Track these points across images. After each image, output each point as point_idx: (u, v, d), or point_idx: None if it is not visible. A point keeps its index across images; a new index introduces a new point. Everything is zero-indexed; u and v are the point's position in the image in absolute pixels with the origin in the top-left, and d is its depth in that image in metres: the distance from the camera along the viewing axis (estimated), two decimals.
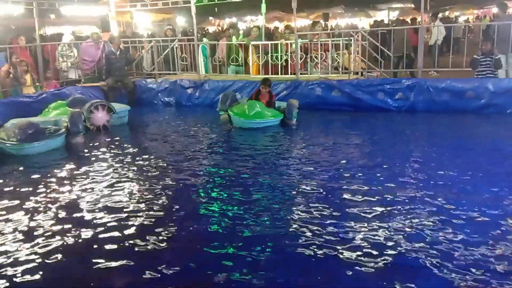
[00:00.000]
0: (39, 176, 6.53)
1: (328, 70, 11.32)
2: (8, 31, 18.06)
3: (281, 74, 11.49)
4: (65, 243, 4.43)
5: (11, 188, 6.10)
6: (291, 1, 10.79)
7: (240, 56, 12.27)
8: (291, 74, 11.42)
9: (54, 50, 12.45)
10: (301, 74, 11.25)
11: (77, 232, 4.66)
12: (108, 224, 4.80)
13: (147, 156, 7.36)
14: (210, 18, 31.78)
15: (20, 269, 3.98)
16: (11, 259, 4.15)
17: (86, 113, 9.04)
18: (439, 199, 5.10)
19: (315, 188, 5.64)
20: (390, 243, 4.15)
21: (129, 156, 7.44)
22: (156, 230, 4.61)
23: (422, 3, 9.98)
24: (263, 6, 12.36)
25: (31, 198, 5.67)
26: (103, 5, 13.56)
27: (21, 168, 6.97)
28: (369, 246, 4.12)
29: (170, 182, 6.08)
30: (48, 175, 6.56)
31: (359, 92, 10.37)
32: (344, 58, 11.09)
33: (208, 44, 12.95)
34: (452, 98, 9.75)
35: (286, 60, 11.53)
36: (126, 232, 4.60)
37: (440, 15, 18.81)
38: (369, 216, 4.74)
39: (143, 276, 3.80)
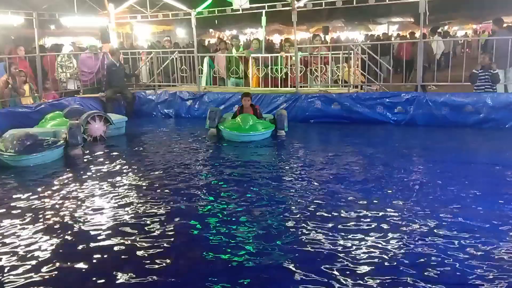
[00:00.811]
0: (34, 187, 6.49)
1: (327, 83, 11.34)
2: (8, 41, 18.08)
3: (281, 87, 11.50)
4: (56, 257, 4.38)
5: (5, 199, 6.07)
6: (291, 14, 10.82)
7: (240, 69, 12.28)
8: (291, 87, 11.42)
9: (53, 60, 12.46)
10: (301, 87, 11.25)
11: (70, 245, 4.63)
12: (102, 239, 4.76)
13: (143, 169, 7.34)
14: (210, 30, 31.86)
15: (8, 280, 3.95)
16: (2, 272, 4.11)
17: (83, 124, 9.02)
18: (437, 214, 5.08)
19: (314, 203, 5.61)
20: (386, 259, 4.11)
21: (126, 169, 7.40)
22: (151, 246, 4.55)
23: (421, 17, 10.01)
24: (263, 19, 12.39)
25: (24, 210, 5.63)
26: (103, 17, 13.58)
27: (17, 179, 6.95)
28: (365, 261, 4.08)
29: (166, 196, 6.01)
30: (43, 187, 6.53)
31: (359, 105, 10.38)
32: (344, 71, 11.10)
33: (208, 56, 12.93)
34: (451, 112, 9.78)
35: (286, 73, 11.53)
36: (119, 248, 4.56)
37: (439, 29, 18.90)
38: (365, 230, 4.71)
39: None
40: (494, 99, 9.50)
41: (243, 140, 8.95)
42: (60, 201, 5.89)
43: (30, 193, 6.22)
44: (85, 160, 8.04)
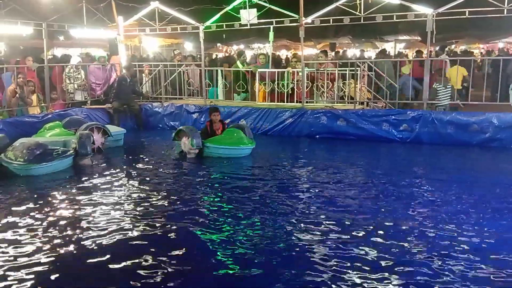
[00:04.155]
0: (41, 197, 6.53)
1: (334, 99, 11.36)
2: (17, 51, 18.23)
3: (287, 102, 11.52)
4: (60, 266, 4.40)
5: (13, 206, 6.10)
6: (299, 30, 10.88)
7: (249, 83, 12.36)
8: (297, 102, 11.44)
9: (61, 71, 12.54)
10: (307, 102, 11.28)
11: (74, 254, 4.66)
12: (104, 249, 4.78)
13: (148, 179, 7.39)
14: (218, 44, 32.01)
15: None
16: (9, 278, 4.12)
17: None
18: (439, 232, 5.07)
19: (315, 219, 5.60)
20: (388, 276, 4.09)
21: (135, 180, 7.45)
22: (152, 258, 4.56)
23: (428, 36, 10.03)
24: (271, 34, 12.46)
25: (30, 218, 5.66)
26: (112, 29, 13.69)
27: (25, 188, 6.98)
28: (366, 279, 4.07)
29: (165, 210, 6.02)
30: (50, 196, 6.57)
31: (364, 122, 10.38)
32: (350, 87, 11.11)
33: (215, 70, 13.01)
34: (457, 131, 9.75)
35: (293, 88, 11.56)
36: (122, 261, 4.56)
37: (447, 48, 18.93)
38: (368, 247, 4.70)
39: None
40: (500, 119, 9.47)
41: (240, 155, 8.90)
42: (65, 212, 5.92)
43: (37, 203, 6.25)
44: (92, 170, 8.05)
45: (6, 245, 4.86)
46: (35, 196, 6.57)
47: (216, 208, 6.03)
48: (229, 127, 9.27)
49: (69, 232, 5.21)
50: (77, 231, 5.25)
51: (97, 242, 4.92)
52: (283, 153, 9.32)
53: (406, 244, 4.76)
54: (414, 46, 27.92)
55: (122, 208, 6.04)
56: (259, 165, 8.44)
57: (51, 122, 9.77)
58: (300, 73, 11.23)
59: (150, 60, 16.43)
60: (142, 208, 6.03)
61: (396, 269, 4.22)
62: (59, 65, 12.60)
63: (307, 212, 5.81)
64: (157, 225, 5.42)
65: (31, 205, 6.17)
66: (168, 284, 4.04)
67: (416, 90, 11.71)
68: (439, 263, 4.32)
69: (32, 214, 5.82)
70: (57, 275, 4.22)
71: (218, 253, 4.65)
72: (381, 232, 5.09)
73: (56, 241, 4.97)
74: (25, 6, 12.25)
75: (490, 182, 7.13)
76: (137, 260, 4.46)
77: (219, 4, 12.62)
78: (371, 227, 5.22)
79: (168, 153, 9.31)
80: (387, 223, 5.35)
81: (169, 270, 4.28)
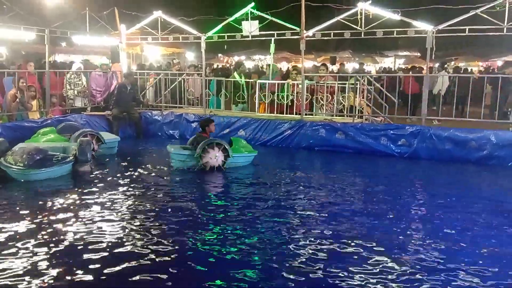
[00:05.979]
0: (39, 201, 6.53)
1: (333, 112, 11.41)
2: (18, 56, 18.30)
3: (286, 113, 11.57)
4: (56, 272, 4.39)
5: (10, 211, 6.11)
6: (300, 42, 10.95)
7: (246, 94, 12.45)
8: (296, 114, 11.48)
9: (62, 77, 12.58)
10: (306, 114, 11.32)
11: (71, 261, 4.64)
12: (102, 256, 4.78)
13: (147, 187, 7.39)
14: (219, 55, 32.18)
15: None
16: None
17: (74, 141, 8.95)
18: (435, 250, 5.06)
19: (312, 232, 5.61)
20: None
21: (133, 188, 7.46)
22: (149, 267, 4.58)
23: (428, 52, 10.10)
24: (272, 46, 12.53)
25: (27, 223, 5.66)
26: (114, 37, 13.75)
27: (24, 193, 7.01)
28: None
29: (164, 218, 6.04)
30: (48, 201, 6.56)
31: (363, 135, 10.42)
32: (350, 101, 11.16)
33: (215, 80, 13.07)
34: (455, 147, 9.76)
35: (292, 100, 11.60)
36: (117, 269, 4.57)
37: (446, 65, 19.05)
38: (364, 263, 4.70)
39: None
40: (499, 137, 9.48)
41: (249, 162, 9.09)
42: (62, 218, 5.91)
43: (35, 208, 6.26)
44: (91, 177, 8.05)
45: (2, 249, 4.86)
46: (33, 201, 6.56)
47: (217, 218, 6.03)
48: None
49: (67, 238, 5.21)
50: (75, 237, 5.25)
51: (95, 249, 4.92)
52: (282, 165, 9.30)
53: (403, 259, 4.77)
54: (413, 62, 28.08)
55: (120, 216, 6.05)
56: (259, 176, 8.47)
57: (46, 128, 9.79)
58: (300, 85, 11.29)
59: (153, 69, 16.46)
60: (141, 216, 6.04)
61: (393, 285, 4.23)
62: (59, 71, 12.65)
63: (304, 225, 5.83)
64: (155, 233, 5.43)
65: (29, 209, 6.18)
66: None
67: None
68: (435, 280, 4.33)
69: (29, 219, 5.82)
70: (52, 282, 4.22)
71: (217, 264, 4.66)
72: (379, 248, 5.09)
73: (52, 247, 4.96)
74: (28, 11, 12.30)
75: (487, 199, 7.13)
76: (136, 267, 4.48)
77: (221, 15, 12.71)
78: (368, 244, 5.21)
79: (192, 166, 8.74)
80: (384, 240, 5.36)
81: (166, 280, 4.29)
